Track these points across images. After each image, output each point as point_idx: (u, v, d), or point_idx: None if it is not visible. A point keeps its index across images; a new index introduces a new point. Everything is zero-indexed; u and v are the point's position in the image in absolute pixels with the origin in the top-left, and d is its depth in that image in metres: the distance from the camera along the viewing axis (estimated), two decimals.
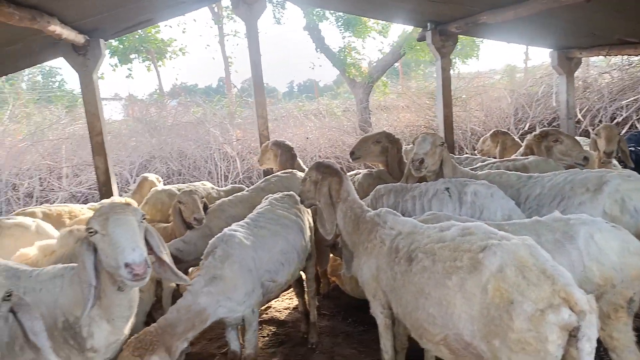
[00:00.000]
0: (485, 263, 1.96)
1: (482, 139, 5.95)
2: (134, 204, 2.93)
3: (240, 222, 3.11)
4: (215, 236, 2.92)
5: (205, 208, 3.72)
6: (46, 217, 3.92)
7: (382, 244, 2.58)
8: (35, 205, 8.17)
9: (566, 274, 1.87)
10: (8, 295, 1.72)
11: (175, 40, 21.28)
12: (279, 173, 4.51)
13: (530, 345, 1.80)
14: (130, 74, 19.39)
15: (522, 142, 4.79)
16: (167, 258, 2.24)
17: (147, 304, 2.99)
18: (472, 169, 4.00)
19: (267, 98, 8.66)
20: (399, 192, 3.61)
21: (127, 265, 1.89)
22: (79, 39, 5.01)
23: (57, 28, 4.28)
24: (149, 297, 3.04)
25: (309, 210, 3.64)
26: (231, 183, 10.41)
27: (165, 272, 2.26)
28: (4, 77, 12.50)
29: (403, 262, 2.35)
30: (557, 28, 6.12)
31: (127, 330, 2.44)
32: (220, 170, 11.45)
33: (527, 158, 4.08)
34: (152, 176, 5.15)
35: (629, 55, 8.36)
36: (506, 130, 5.77)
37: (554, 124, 11.27)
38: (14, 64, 5.83)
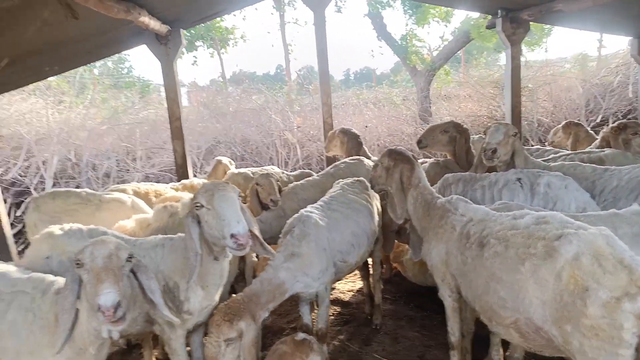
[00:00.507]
0: (561, 251, 2.02)
1: (553, 130, 5.80)
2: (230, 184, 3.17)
3: (315, 205, 3.31)
4: (293, 217, 3.15)
5: (280, 191, 3.96)
6: (136, 194, 4.33)
7: (452, 229, 2.68)
8: (113, 184, 8.91)
9: None
10: (130, 257, 2.01)
11: (238, 28, 21.82)
12: (346, 160, 4.69)
13: (604, 332, 1.86)
14: (195, 61, 20.29)
15: (597, 135, 4.65)
16: (258, 233, 2.48)
17: (232, 275, 3.27)
18: (544, 161, 3.96)
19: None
20: (467, 182, 3.66)
21: (232, 236, 2.13)
22: (163, 28, 5.39)
23: (145, 19, 4.66)
24: (234, 269, 3.33)
25: (377, 195, 3.79)
26: (291, 169, 10.71)
27: (255, 245, 2.50)
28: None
29: (474, 248, 2.45)
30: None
31: (217, 297, 2.73)
32: (281, 156, 11.82)
33: (603, 151, 3.98)
34: (225, 159, 5.49)
35: None
36: (579, 122, 5.58)
37: (630, 116, 10.62)
38: (103, 51, 6.35)
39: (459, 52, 17.65)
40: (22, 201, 9.78)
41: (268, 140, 12.36)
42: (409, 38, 15.49)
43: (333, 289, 4.72)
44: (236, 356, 2.57)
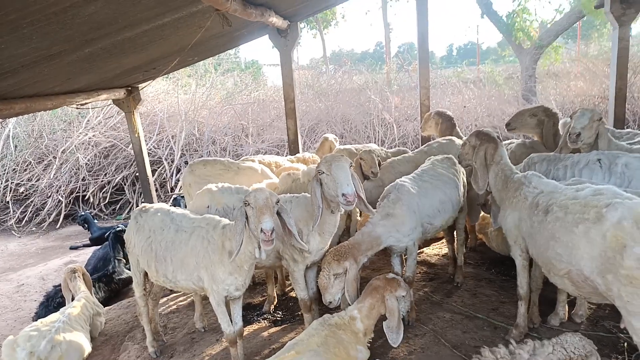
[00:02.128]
0: (607, 216, 2.50)
1: None
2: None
3: (408, 176, 3.98)
4: (390, 184, 3.86)
5: (379, 165, 4.67)
6: (261, 163, 5.32)
7: (525, 199, 3.20)
8: (228, 157, 10.25)
9: None
10: (277, 201, 2.89)
11: (342, 7, 22.38)
12: (439, 139, 5.24)
13: (637, 280, 2.34)
14: (299, 43, 21.36)
15: None
16: (363, 195, 3.24)
17: (340, 229, 4.10)
18: (630, 144, 4.19)
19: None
20: (551, 161, 4.05)
21: (343, 195, 2.92)
22: (284, 24, 6.29)
23: (273, 18, 5.56)
24: (342, 225, 4.16)
25: (464, 171, 4.33)
26: (387, 147, 11.30)
27: (360, 204, 3.27)
28: None
29: (541, 214, 2.97)
30: None
31: (329, 243, 3.56)
32: (378, 135, 12.44)
33: None
34: (331, 136, 6.30)
35: None
36: None
37: None
38: (234, 43, 7.47)
39: (574, 26, 16.57)
40: (156, 170, 11.66)
41: (366, 119, 13.03)
42: (516, 13, 14.87)
43: (422, 253, 5.37)
44: (341, 287, 3.39)
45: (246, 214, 2.82)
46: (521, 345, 2.83)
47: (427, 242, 5.67)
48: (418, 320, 3.89)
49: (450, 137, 5.25)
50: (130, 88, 6.88)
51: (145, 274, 3.74)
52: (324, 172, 3.07)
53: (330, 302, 3.42)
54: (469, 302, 4.14)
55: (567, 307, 3.63)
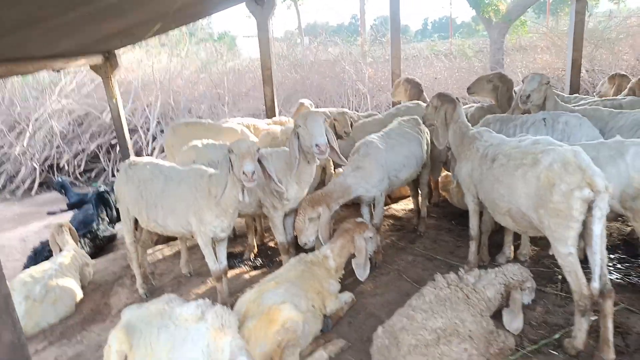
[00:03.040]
0: (542, 160, 2.95)
1: (601, 82, 6.27)
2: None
3: (377, 134, 4.38)
4: (360, 141, 4.25)
5: (351, 125, 5.05)
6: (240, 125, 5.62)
7: (477, 151, 3.64)
8: None
9: (595, 169, 2.79)
10: (258, 150, 3.23)
11: None
12: (407, 103, 5.65)
13: (561, 212, 2.82)
14: (273, 14, 21.12)
15: None
16: (336, 146, 3.62)
17: (316, 182, 4.49)
18: (575, 106, 4.68)
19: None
20: (504, 121, 4.51)
21: (317, 145, 3.29)
22: None
23: None
24: (318, 177, 4.55)
25: (427, 130, 4.76)
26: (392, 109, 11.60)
27: (334, 155, 3.66)
28: None
29: (489, 162, 3.42)
30: None
31: (305, 192, 3.95)
32: (352, 104, 12.79)
33: (625, 98, 4.61)
34: (307, 101, 6.60)
35: None
36: (624, 73, 5.98)
37: None
38: (208, 11, 7.59)
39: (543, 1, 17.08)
40: (131, 138, 11.72)
41: (341, 89, 13.34)
42: None
43: (390, 208, 5.84)
44: (315, 230, 3.81)
45: (230, 161, 3.16)
46: (469, 273, 3.32)
47: (395, 200, 6.14)
48: (384, 262, 4.36)
49: (417, 101, 5.66)
50: (107, 54, 6.97)
51: (135, 222, 4.06)
52: (300, 126, 3.43)
53: (306, 244, 3.84)
54: (429, 247, 4.64)
55: (512, 247, 4.15)
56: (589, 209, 2.75)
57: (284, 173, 3.75)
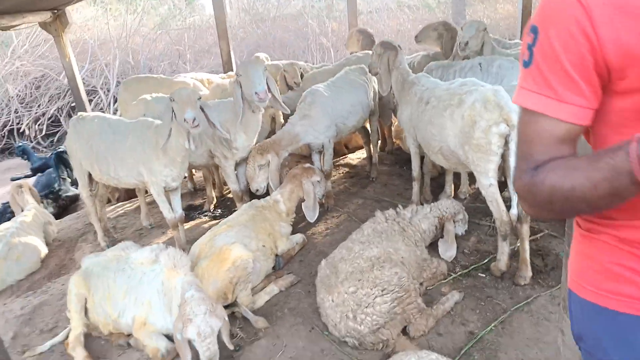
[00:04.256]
0: (465, 100, 3.17)
1: None
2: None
3: (323, 83, 4.52)
4: (306, 90, 4.39)
5: (301, 76, 5.15)
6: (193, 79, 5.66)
7: (415, 95, 3.83)
8: None
9: (512, 106, 3.02)
10: (199, 98, 3.34)
11: None
12: (358, 53, 5.76)
13: (482, 147, 3.07)
14: None
15: None
16: (277, 94, 3.76)
17: (266, 130, 4.64)
18: (513, 51, 4.89)
19: None
20: (445, 67, 4.70)
21: (256, 93, 3.42)
22: None
23: None
24: (268, 126, 4.69)
25: (374, 78, 4.91)
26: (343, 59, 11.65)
27: (275, 103, 3.80)
28: None
29: (423, 105, 3.63)
30: None
31: (254, 141, 4.10)
32: (316, 59, 12.74)
33: None
34: (262, 55, 6.62)
35: None
36: None
37: None
38: None
39: None
40: (91, 100, 11.49)
41: (304, 44, 13.23)
42: None
43: (345, 157, 6.07)
44: (266, 177, 4.01)
45: (173, 110, 3.28)
46: (406, 208, 3.60)
47: (352, 150, 6.36)
48: (336, 206, 4.62)
49: (367, 51, 5.76)
50: (56, 10, 6.77)
51: (89, 176, 4.16)
52: (241, 75, 3.54)
53: (257, 190, 4.04)
54: (379, 190, 4.91)
55: (453, 186, 4.45)
56: (506, 142, 3.01)
57: (232, 123, 3.88)
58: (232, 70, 7.10)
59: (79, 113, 4.15)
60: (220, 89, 4.69)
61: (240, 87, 3.62)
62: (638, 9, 0.89)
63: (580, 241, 1.20)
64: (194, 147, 3.46)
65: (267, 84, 3.59)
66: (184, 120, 3.17)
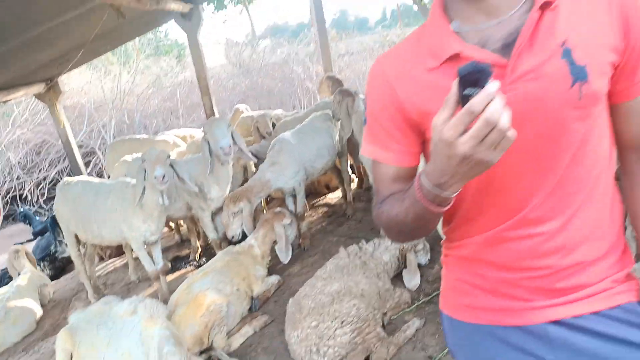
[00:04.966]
0: None
1: None
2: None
3: (290, 131, 4.87)
4: (275, 138, 4.72)
5: (274, 126, 5.51)
6: (175, 136, 6.03)
7: None
8: None
9: None
10: (169, 156, 3.66)
11: None
12: (325, 99, 6.14)
13: None
14: (225, 20, 21.46)
15: None
16: (243, 146, 4.09)
17: (239, 179, 4.94)
18: None
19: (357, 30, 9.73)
20: None
21: (221, 147, 3.75)
22: (185, 7, 6.85)
23: (171, 4, 6.12)
24: (240, 176, 5.00)
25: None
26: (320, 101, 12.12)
27: (242, 154, 4.12)
28: None
29: None
30: None
31: (227, 190, 4.39)
32: (303, 103, 13.25)
33: None
34: (242, 106, 7.05)
35: None
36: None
37: None
38: (142, 29, 7.96)
39: None
40: (90, 161, 11.96)
41: (291, 90, 13.78)
42: None
43: (325, 197, 6.34)
44: (240, 224, 4.27)
45: (145, 169, 3.59)
46: (368, 242, 3.82)
47: (332, 189, 6.63)
48: (312, 245, 4.84)
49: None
50: (49, 81, 7.27)
51: (77, 237, 4.44)
52: (207, 132, 3.88)
53: (233, 237, 4.29)
54: (354, 227, 5.14)
55: None
56: None
57: (204, 176, 4.18)
58: None
59: (65, 178, 4.48)
60: (195, 144, 5.06)
61: (209, 143, 3.94)
62: (416, 77, 1.15)
63: (443, 263, 1.44)
64: (167, 202, 3.74)
65: (232, 138, 3.92)
66: (154, 177, 3.48)
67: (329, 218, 5.59)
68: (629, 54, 1.07)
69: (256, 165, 4.90)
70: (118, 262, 5.78)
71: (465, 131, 0.86)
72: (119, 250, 5.96)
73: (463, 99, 0.85)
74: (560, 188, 1.10)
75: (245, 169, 5.05)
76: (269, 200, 6.00)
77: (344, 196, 5.62)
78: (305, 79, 13.85)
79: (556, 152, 1.07)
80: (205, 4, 7.26)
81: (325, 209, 5.96)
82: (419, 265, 3.83)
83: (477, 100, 0.83)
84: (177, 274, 4.95)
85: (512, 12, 1.05)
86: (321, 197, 6.38)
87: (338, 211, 5.76)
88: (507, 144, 0.86)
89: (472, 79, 0.84)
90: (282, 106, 13.47)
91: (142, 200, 3.64)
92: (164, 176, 3.46)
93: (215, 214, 4.50)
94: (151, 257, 4.16)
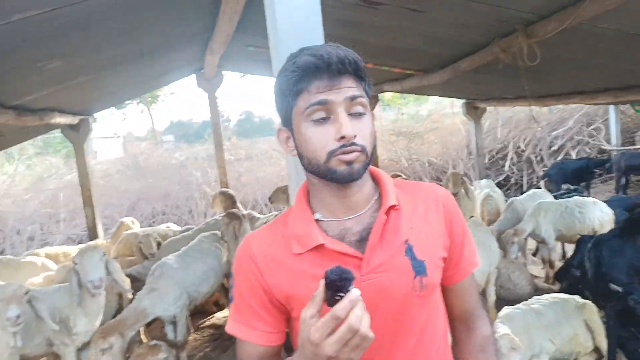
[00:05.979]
0: None
1: None
2: (100, 246, 4.49)
3: (174, 254, 4.73)
4: (156, 263, 4.54)
5: (159, 245, 5.33)
6: (48, 256, 5.53)
7: None
8: (36, 247, 9.78)
9: None
10: (26, 292, 3.32)
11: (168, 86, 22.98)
12: (216, 216, 6.16)
13: None
14: (124, 118, 21.17)
15: None
16: (117, 276, 3.86)
17: (113, 307, 4.57)
18: None
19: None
20: None
21: (90, 281, 3.51)
22: (74, 120, 6.70)
23: (57, 119, 5.93)
24: (115, 304, 4.63)
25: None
26: (210, 219, 11.96)
27: (116, 286, 3.88)
28: None
29: None
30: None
31: (97, 323, 4.03)
32: (200, 208, 13.06)
33: None
34: (128, 220, 6.75)
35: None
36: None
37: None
38: (27, 136, 7.54)
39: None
40: None
41: (188, 193, 13.58)
42: None
43: (212, 317, 6.07)
44: None
45: None
46: None
47: (220, 307, 6.39)
48: None
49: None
50: None
51: None
52: (77, 263, 3.63)
53: None
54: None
55: None
56: None
57: (71, 307, 3.82)
58: (98, 237, 7.07)
59: None
60: (65, 269, 4.63)
61: (78, 274, 3.68)
62: (283, 261, 1.23)
63: None
64: (20, 344, 3.32)
65: (106, 268, 3.71)
66: (7, 319, 3.11)
67: (215, 342, 5.32)
68: (453, 248, 1.31)
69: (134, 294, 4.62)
70: None
71: (331, 333, 0.95)
72: None
73: (329, 299, 0.97)
74: None
75: (120, 296, 4.72)
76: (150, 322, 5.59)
77: None
78: (202, 183, 13.82)
79: (405, 332, 1.24)
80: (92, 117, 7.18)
81: (211, 330, 5.67)
82: None
83: (341, 307, 0.94)
84: None
85: (365, 210, 1.24)
86: (209, 317, 6.09)
87: (224, 333, 5.51)
88: (367, 344, 0.98)
89: (338, 283, 0.96)
90: (177, 210, 13.14)
91: None
92: (18, 316, 3.11)
93: (82, 349, 4.05)
94: None
